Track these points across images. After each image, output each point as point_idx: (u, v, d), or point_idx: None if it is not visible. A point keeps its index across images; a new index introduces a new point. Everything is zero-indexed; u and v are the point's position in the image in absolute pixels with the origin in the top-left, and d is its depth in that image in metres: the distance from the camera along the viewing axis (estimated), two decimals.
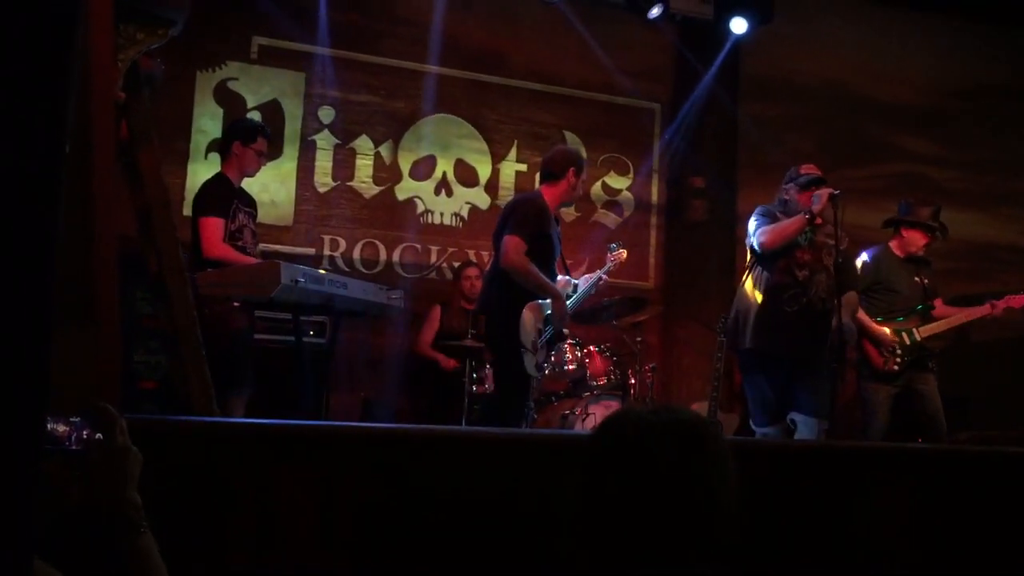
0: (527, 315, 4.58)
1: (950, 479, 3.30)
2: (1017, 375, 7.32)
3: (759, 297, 4.95)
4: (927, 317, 5.51)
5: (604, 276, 5.17)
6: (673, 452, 1.41)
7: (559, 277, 4.95)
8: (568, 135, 7.58)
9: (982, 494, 3.27)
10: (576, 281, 5.11)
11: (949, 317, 5.56)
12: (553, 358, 6.00)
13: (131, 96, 3.16)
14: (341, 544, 2.48)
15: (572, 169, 4.85)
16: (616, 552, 1.40)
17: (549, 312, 4.69)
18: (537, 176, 5.23)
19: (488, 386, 5.94)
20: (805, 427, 4.83)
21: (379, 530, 2.53)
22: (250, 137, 5.05)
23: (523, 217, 4.65)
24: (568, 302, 4.86)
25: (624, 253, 5.34)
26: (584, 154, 5.36)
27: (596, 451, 1.47)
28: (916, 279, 5.57)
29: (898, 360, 5.39)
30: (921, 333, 5.44)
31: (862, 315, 5.32)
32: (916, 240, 5.54)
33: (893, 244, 5.62)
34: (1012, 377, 7.33)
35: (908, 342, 5.45)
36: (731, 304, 5.18)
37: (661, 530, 1.38)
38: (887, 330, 5.44)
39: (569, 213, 7.52)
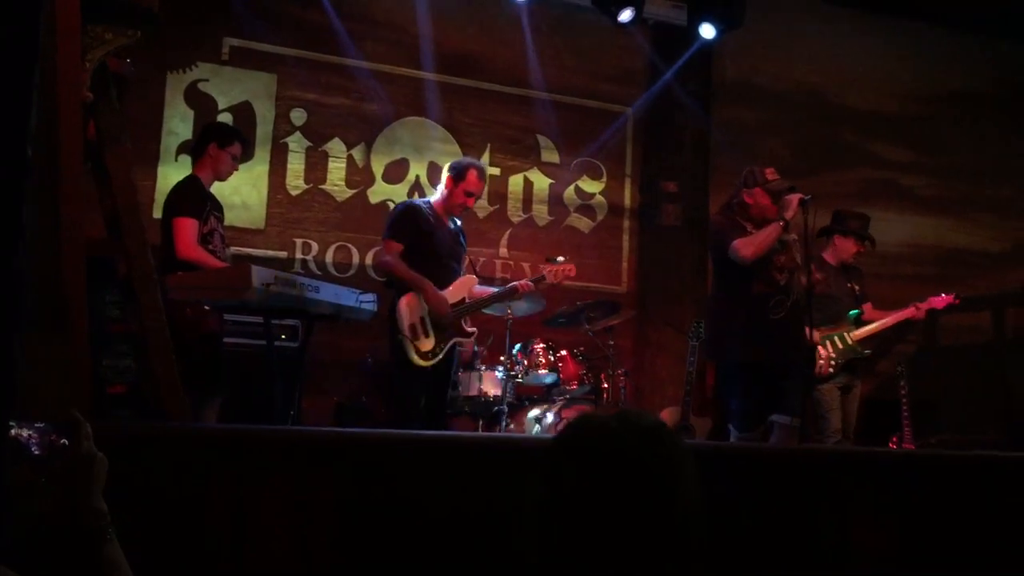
0: (403, 304, 4.91)
1: (919, 482, 3.32)
2: (985, 379, 7.42)
3: (743, 309, 4.95)
4: (859, 323, 5.82)
5: (529, 283, 5.36)
6: (636, 457, 1.41)
7: (464, 277, 5.23)
8: (540, 139, 7.59)
9: (951, 497, 3.30)
10: (491, 288, 5.36)
11: (880, 320, 5.87)
12: (526, 362, 6.02)
13: (99, 97, 3.12)
14: (314, 549, 2.46)
15: (449, 177, 5.20)
16: (580, 557, 1.39)
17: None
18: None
19: (461, 389, 5.93)
20: (782, 427, 4.89)
21: (354, 535, 2.51)
22: (227, 140, 5.02)
23: (391, 221, 5.16)
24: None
25: (563, 270, 5.38)
26: (481, 166, 5.42)
27: (557, 457, 1.47)
28: (849, 285, 5.90)
29: (832, 363, 5.66)
30: (854, 337, 5.74)
31: None
32: (848, 248, 5.89)
33: (826, 254, 5.92)
34: (980, 381, 7.42)
35: (841, 346, 5.72)
36: (703, 309, 5.22)
37: (625, 535, 1.38)
38: (819, 335, 5.61)
39: (542, 216, 7.53)
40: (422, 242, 5.03)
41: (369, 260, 6.98)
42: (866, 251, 5.97)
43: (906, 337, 6.09)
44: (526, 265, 7.25)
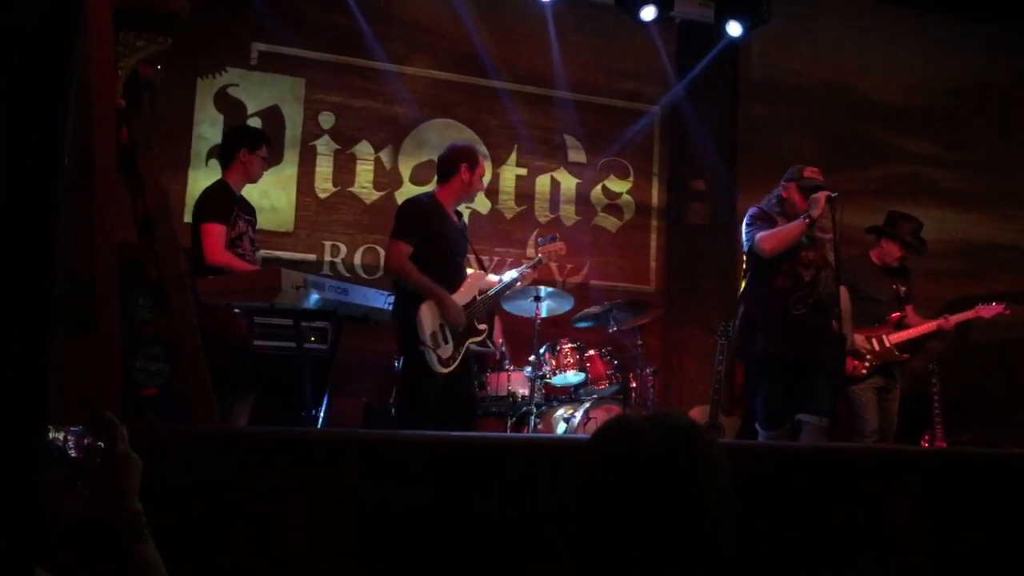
0: (424, 311, 4.60)
1: (952, 481, 3.30)
2: (1018, 376, 7.33)
3: (765, 302, 4.96)
4: (900, 325, 5.77)
5: (528, 270, 5.13)
6: (668, 459, 1.41)
7: (471, 272, 4.98)
8: (567, 139, 7.59)
9: (984, 496, 3.27)
10: (500, 277, 5.16)
11: (916, 327, 5.83)
12: (554, 362, 6.03)
13: (131, 103, 3.16)
14: (342, 550, 2.48)
15: (464, 165, 4.87)
16: (613, 559, 1.40)
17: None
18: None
19: (489, 390, 5.94)
20: (810, 426, 4.87)
21: (381, 536, 2.53)
22: (256, 144, 5.08)
23: (400, 220, 4.79)
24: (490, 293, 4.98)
25: (562, 246, 5.26)
26: (483, 150, 5.22)
27: (591, 459, 1.47)
28: (894, 287, 5.86)
29: (866, 365, 5.63)
30: (891, 340, 5.69)
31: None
32: (892, 252, 5.82)
33: (873, 253, 5.90)
34: (1013, 378, 7.34)
35: (877, 348, 5.68)
36: (732, 308, 5.21)
37: (658, 537, 1.38)
38: (860, 336, 5.65)
39: (570, 216, 7.53)
40: (432, 242, 4.75)
41: None
42: (910, 256, 5.88)
43: (938, 335, 6.02)
44: (553, 265, 7.24)
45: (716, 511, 1.41)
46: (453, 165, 4.90)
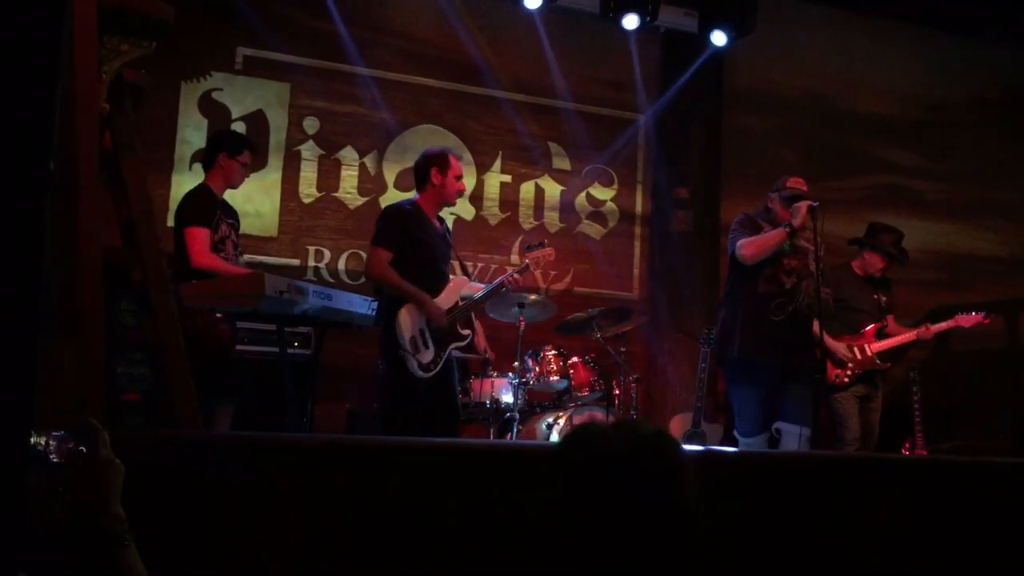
0: (403, 317, 4.68)
1: (933, 489, 3.32)
2: (999, 385, 7.39)
3: (745, 307, 5.00)
4: (881, 334, 5.85)
5: (516, 276, 5.13)
6: (632, 466, 1.43)
7: (454, 277, 5.05)
8: (552, 146, 7.61)
9: (965, 504, 3.29)
10: (484, 284, 5.21)
11: (897, 336, 5.91)
12: (538, 368, 6.03)
13: (115, 107, 3.15)
14: (327, 557, 2.48)
15: (433, 170, 4.92)
16: (583, 563, 1.41)
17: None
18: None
19: (473, 396, 5.94)
20: (790, 436, 4.88)
21: (365, 541, 2.52)
22: (236, 149, 5.06)
23: (381, 227, 4.86)
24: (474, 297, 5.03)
25: (551, 252, 5.30)
26: (464, 154, 5.25)
27: (559, 466, 1.49)
28: (875, 297, 5.93)
29: (848, 373, 5.68)
30: (872, 349, 5.76)
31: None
32: (875, 263, 5.90)
33: (855, 264, 5.97)
34: (993, 387, 7.39)
35: (859, 356, 5.73)
36: (715, 315, 5.24)
37: (625, 542, 1.40)
38: (842, 345, 5.71)
39: (554, 223, 7.54)
40: (413, 248, 4.81)
41: None
42: (893, 266, 5.95)
43: (919, 343, 6.08)
44: (538, 272, 7.24)
45: (681, 515, 1.44)
46: (424, 172, 4.95)
